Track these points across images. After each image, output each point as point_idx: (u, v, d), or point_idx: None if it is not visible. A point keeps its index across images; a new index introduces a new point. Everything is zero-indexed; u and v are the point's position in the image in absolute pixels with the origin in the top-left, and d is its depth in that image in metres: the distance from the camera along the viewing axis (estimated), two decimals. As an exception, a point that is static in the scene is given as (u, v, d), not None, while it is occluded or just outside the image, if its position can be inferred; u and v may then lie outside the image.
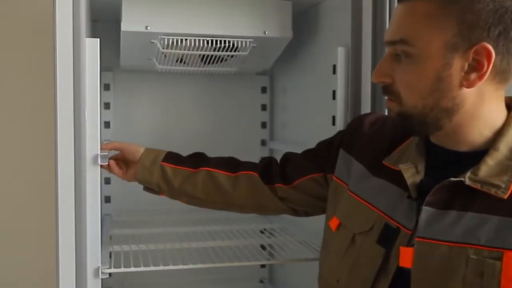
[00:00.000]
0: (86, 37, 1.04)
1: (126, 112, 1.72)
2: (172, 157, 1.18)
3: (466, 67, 0.74)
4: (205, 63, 1.45)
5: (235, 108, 1.79)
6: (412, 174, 0.82)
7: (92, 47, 1.06)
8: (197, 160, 1.18)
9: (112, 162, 1.17)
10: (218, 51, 1.38)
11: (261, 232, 1.60)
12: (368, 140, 0.98)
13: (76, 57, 1.02)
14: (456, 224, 0.74)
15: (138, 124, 1.73)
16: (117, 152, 1.21)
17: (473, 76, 0.74)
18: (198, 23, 1.30)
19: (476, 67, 0.73)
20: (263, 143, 1.80)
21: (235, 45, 1.36)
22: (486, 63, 0.72)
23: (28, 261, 1.05)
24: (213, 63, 1.45)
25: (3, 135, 1.04)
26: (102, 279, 1.12)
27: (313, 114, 1.45)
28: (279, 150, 1.70)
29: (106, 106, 1.69)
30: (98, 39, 1.07)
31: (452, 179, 0.75)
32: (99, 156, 1.08)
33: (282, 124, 1.73)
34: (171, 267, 1.19)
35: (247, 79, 1.79)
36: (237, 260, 1.25)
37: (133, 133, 1.72)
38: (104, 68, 1.66)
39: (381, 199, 0.87)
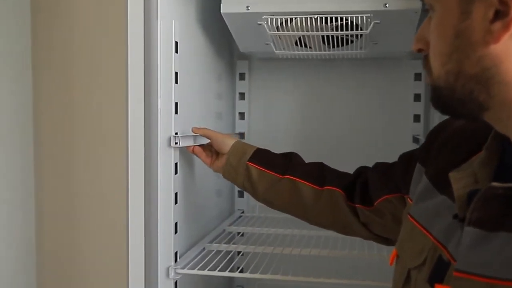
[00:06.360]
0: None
1: (263, 103, 1.62)
2: (259, 157, 1.06)
3: (490, 14, 0.47)
4: (329, 45, 1.27)
5: (382, 98, 1.55)
6: (464, 184, 0.56)
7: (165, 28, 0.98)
8: (286, 164, 1.05)
9: (198, 148, 1.12)
10: (335, 30, 1.18)
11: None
12: (446, 148, 0.71)
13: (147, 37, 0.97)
14: (502, 251, 0.49)
15: (275, 115, 1.61)
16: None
17: (497, 25, 0.47)
18: (305, -1, 1.13)
19: (504, 12, 0.47)
20: (416, 140, 1.52)
21: (353, 22, 1.15)
22: None
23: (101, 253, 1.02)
24: (338, 45, 1.26)
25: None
26: (176, 280, 1.05)
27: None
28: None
29: (241, 96, 1.62)
30: (173, 21, 0.99)
31: (495, 184, 0.51)
32: (172, 137, 1.03)
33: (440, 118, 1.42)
34: (247, 275, 1.05)
35: (396, 65, 1.53)
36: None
37: (269, 124, 1.61)
38: (240, 57, 1.60)
39: (439, 223, 0.62)
